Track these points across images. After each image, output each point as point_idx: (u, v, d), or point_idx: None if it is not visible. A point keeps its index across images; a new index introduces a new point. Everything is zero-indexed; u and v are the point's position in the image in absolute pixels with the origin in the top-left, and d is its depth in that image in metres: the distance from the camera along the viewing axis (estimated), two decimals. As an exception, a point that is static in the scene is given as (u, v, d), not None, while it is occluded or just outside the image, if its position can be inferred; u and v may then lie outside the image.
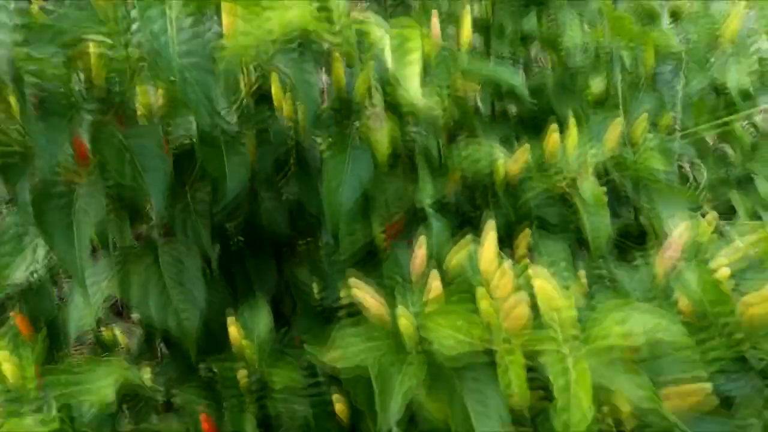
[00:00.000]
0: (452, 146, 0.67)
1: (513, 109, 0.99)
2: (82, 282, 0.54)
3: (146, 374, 0.65)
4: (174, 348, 0.83)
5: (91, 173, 0.51)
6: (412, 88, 0.42)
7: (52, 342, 0.74)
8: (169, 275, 0.69)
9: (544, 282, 0.36)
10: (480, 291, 0.40)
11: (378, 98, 0.54)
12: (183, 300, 0.68)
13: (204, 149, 0.60)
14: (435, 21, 0.64)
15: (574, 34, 0.85)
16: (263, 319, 0.67)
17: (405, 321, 0.44)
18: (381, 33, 0.44)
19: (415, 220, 0.65)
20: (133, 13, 0.40)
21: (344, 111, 0.59)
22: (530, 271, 0.38)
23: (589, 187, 0.56)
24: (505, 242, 0.65)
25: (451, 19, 0.73)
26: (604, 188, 0.58)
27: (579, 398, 0.34)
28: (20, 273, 0.63)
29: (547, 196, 0.62)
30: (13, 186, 0.55)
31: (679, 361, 0.41)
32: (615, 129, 0.61)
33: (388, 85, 0.55)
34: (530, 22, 0.96)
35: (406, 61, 0.44)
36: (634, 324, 0.36)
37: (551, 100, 0.91)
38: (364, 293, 0.48)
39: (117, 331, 1.01)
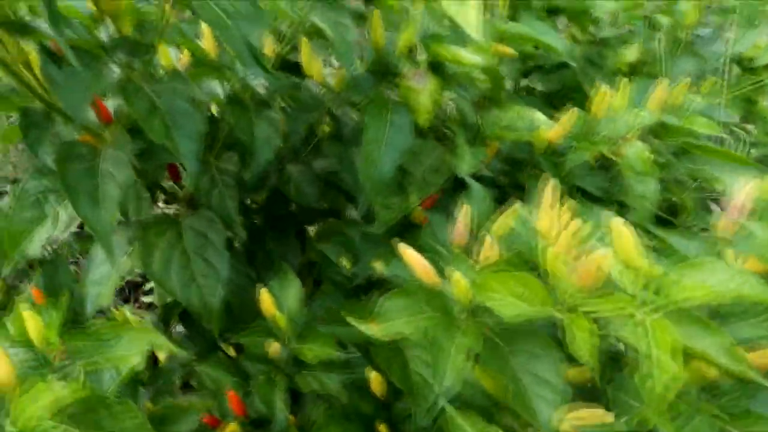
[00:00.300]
0: (489, 113, 0.64)
1: (539, 86, 0.97)
2: (109, 247, 0.52)
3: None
4: (193, 327, 0.80)
5: (117, 134, 0.48)
6: (471, 25, 0.39)
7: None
8: (193, 249, 0.66)
9: (625, 236, 0.34)
10: (548, 251, 0.38)
11: (422, 57, 0.51)
12: (207, 275, 0.65)
13: (234, 111, 0.57)
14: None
15: (606, 2, 0.82)
16: (294, 292, 0.64)
17: (461, 286, 0.41)
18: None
19: (450, 191, 0.63)
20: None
21: (383, 72, 0.56)
22: (610, 224, 0.35)
23: (636, 152, 0.54)
24: None
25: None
26: (651, 154, 0.55)
27: (663, 362, 0.32)
28: (39, 242, 0.60)
29: (589, 166, 0.60)
30: (34, 147, 0.52)
31: (751, 323, 0.38)
32: (659, 92, 0.59)
33: (432, 42, 0.52)
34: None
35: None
36: (716, 282, 0.34)
37: (578, 75, 0.89)
38: (414, 259, 0.45)
39: (128, 313, 0.99)
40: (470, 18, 0.39)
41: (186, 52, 0.57)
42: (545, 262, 0.38)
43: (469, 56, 0.47)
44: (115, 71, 0.46)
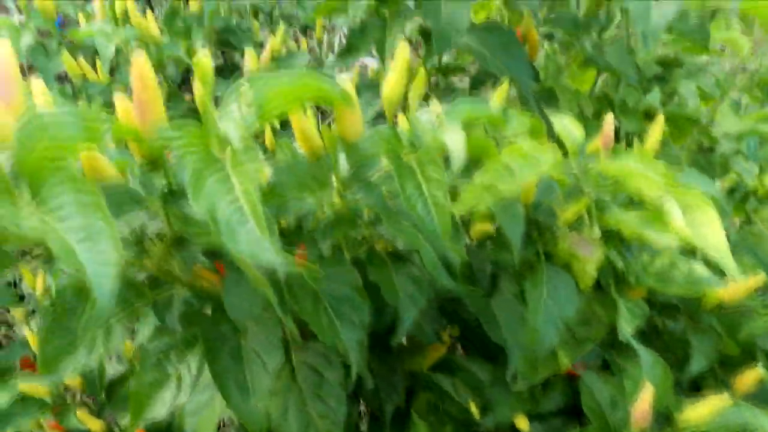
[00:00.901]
0: (635, 254, 0.59)
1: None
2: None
3: None
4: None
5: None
6: (718, 249, 0.34)
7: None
8: (308, 389, 0.62)
9: None
10: None
11: (596, 227, 0.46)
12: (324, 416, 0.61)
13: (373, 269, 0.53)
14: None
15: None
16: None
17: None
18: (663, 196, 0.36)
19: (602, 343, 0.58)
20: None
21: (539, 230, 0.52)
22: None
23: None
24: (717, 378, 0.56)
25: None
26: None
27: None
28: (164, 404, 0.57)
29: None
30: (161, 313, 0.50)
31: None
32: None
33: (606, 211, 0.48)
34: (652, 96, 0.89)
35: (700, 220, 0.36)
36: None
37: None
38: None
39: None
40: (718, 242, 0.34)
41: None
42: None
43: (659, 238, 0.42)
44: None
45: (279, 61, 0.84)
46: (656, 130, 0.57)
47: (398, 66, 0.35)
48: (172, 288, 0.49)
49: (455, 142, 0.31)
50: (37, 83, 0.33)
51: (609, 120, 0.63)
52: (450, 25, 0.56)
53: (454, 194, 0.38)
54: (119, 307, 0.44)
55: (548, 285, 0.51)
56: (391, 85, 0.36)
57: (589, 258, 0.48)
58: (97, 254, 0.19)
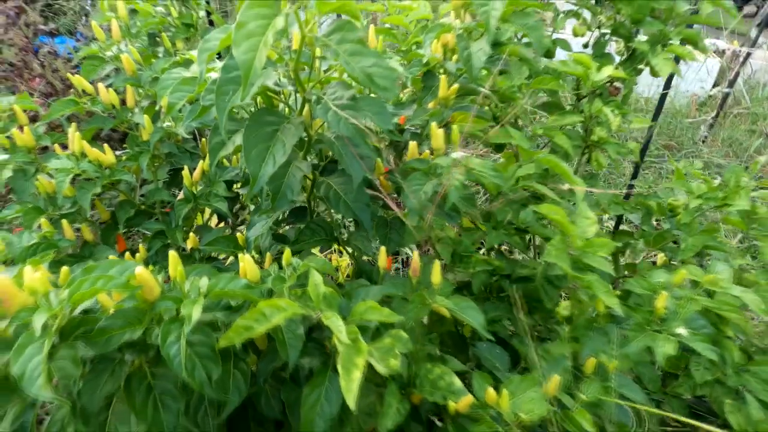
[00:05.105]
0: (422, 367, 0.79)
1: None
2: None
3: None
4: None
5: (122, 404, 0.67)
6: (352, 387, 0.56)
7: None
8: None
9: None
10: None
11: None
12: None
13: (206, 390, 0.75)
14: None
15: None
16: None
17: None
18: (338, 332, 0.58)
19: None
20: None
21: (324, 347, 0.73)
22: None
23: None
24: None
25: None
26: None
27: None
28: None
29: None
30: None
31: None
32: (555, 381, 0.72)
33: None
34: (527, 216, 1.10)
35: (351, 365, 0.58)
36: None
37: (539, 291, 1.03)
38: None
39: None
40: (353, 388, 0.56)
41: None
42: None
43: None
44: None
45: (209, 175, 1.10)
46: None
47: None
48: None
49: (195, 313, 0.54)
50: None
51: (415, 257, 0.85)
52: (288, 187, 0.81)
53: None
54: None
55: (326, 388, 0.72)
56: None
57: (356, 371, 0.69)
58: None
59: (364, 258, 1.20)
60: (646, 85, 3.46)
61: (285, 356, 0.68)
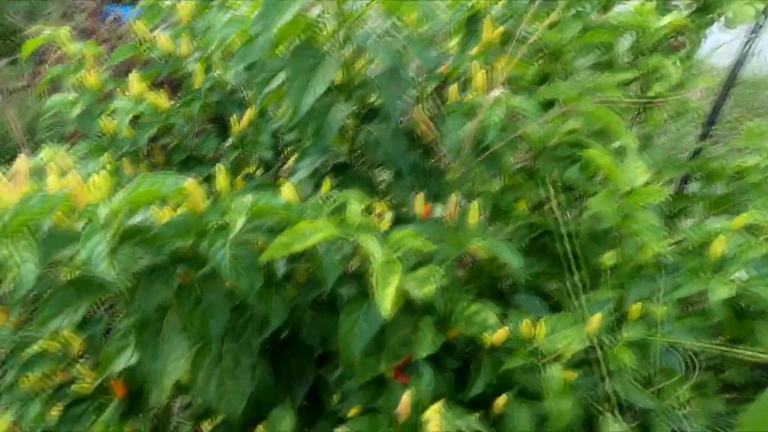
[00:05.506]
0: (458, 304, 0.80)
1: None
2: (159, 385, 0.75)
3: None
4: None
5: (175, 313, 0.72)
6: (386, 301, 0.58)
7: (136, 404, 0.97)
8: (227, 371, 0.88)
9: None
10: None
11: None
12: (234, 391, 0.87)
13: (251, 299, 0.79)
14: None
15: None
16: (287, 423, 0.83)
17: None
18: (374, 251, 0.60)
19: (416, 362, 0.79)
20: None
21: (362, 276, 0.75)
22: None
23: (554, 373, 0.66)
24: (482, 405, 0.75)
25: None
26: (572, 375, 0.66)
27: None
28: (121, 363, 0.86)
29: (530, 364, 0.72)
30: (125, 307, 0.79)
31: None
32: (597, 321, 0.70)
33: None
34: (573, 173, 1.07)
35: (387, 281, 0.60)
36: None
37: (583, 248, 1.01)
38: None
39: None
40: (388, 300, 0.57)
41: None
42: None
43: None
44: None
45: (256, 124, 1.14)
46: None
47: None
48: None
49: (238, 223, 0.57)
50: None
51: (453, 199, 0.86)
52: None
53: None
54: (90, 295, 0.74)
55: (363, 312, 0.74)
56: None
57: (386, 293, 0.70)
58: (25, 263, 0.48)
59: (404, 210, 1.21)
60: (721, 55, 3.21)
61: (324, 281, 0.70)
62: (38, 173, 0.65)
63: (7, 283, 0.94)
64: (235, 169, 1.16)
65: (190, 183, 0.60)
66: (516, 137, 0.98)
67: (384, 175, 1.11)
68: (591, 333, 0.70)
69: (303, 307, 0.86)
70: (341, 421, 0.88)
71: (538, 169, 1.11)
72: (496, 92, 0.77)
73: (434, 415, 0.64)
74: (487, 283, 1.16)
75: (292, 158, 1.28)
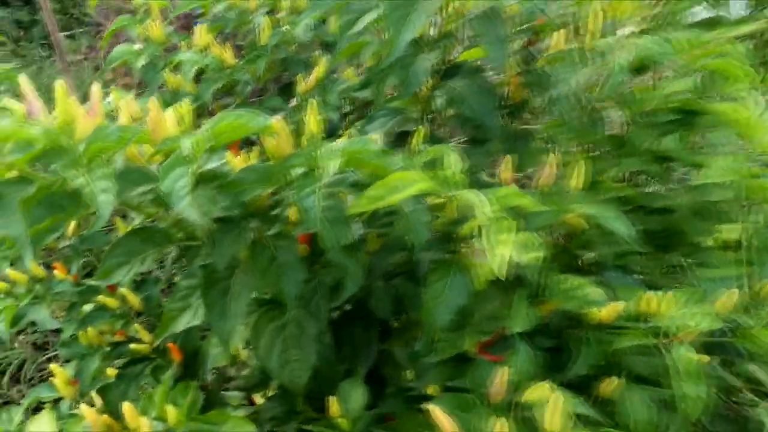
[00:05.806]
0: (553, 277, 0.71)
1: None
2: (226, 345, 0.70)
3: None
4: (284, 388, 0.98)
5: (245, 271, 0.66)
6: (499, 261, 0.49)
7: (191, 368, 0.93)
8: (291, 338, 0.82)
9: None
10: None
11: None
12: (298, 360, 0.81)
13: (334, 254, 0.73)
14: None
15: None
16: (358, 396, 0.77)
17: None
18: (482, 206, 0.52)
19: (507, 338, 0.71)
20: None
21: (449, 241, 0.67)
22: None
23: (684, 356, 0.56)
24: (587, 386, 0.66)
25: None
26: (706, 358, 0.57)
27: None
28: (182, 323, 0.81)
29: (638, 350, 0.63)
30: (190, 262, 0.73)
31: None
32: (730, 298, 0.60)
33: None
34: (670, 142, 0.95)
35: (498, 239, 0.51)
36: None
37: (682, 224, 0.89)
38: (441, 419, 0.55)
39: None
40: (502, 257, 0.49)
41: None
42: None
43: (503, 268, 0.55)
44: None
45: (323, 84, 1.08)
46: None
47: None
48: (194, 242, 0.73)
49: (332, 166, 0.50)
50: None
51: (552, 160, 0.76)
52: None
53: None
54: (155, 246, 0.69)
55: (451, 281, 0.66)
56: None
57: (481, 263, 0.62)
58: (103, 191, 0.42)
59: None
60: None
61: (411, 243, 0.62)
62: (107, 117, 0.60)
63: (70, 233, 0.91)
64: (295, 133, 1.10)
65: (277, 120, 0.53)
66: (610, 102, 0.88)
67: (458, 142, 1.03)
68: (721, 312, 0.60)
69: (377, 274, 0.79)
70: (413, 399, 0.81)
71: (630, 138, 1.00)
72: (626, 30, 0.67)
73: (546, 394, 0.55)
74: (567, 262, 1.06)
75: (357, 123, 1.21)
